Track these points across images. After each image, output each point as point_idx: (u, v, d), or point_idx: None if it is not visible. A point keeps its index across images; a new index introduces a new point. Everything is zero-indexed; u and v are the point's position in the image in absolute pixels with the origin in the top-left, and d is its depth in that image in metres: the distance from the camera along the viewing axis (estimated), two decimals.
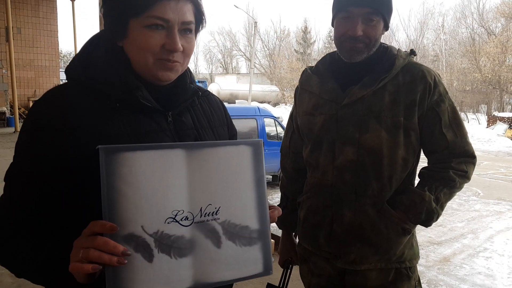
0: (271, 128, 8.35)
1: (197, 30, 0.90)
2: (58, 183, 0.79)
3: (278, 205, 1.45)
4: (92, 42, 0.90)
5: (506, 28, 26.94)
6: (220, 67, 53.62)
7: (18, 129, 11.42)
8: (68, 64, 0.88)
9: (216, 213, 0.79)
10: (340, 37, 1.27)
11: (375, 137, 1.26)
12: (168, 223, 0.74)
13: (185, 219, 0.76)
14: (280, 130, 8.40)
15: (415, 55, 1.33)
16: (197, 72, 54.14)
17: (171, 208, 0.75)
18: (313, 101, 1.38)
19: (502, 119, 19.05)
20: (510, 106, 28.67)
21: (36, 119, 0.81)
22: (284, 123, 19.12)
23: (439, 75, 1.33)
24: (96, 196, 0.71)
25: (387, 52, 1.32)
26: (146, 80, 0.87)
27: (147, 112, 0.86)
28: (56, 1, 9.52)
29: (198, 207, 0.77)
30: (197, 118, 0.97)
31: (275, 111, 25.50)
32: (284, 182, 1.61)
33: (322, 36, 51.60)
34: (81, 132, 0.79)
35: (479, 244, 5.24)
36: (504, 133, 17.34)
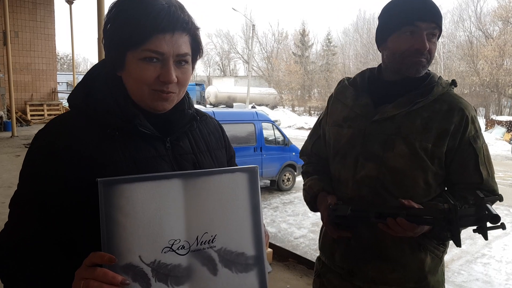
0: (269, 132, 8.36)
1: (194, 60, 0.93)
2: (61, 211, 0.82)
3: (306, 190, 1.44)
4: (94, 71, 0.93)
5: (503, 32, 27.04)
6: (218, 69, 53.67)
7: (16, 134, 11.41)
8: (70, 92, 0.92)
9: (212, 241, 0.81)
10: (404, 51, 1.24)
11: (399, 157, 1.25)
12: (165, 252, 0.76)
13: (181, 248, 0.78)
14: (278, 134, 8.40)
15: (455, 86, 1.32)
16: (195, 74, 54.13)
17: (168, 237, 0.77)
18: (344, 112, 1.39)
19: (500, 123, 19.10)
20: (508, 110, 28.74)
21: (40, 148, 0.84)
22: (282, 127, 19.06)
23: (476, 110, 1.33)
24: (96, 224, 0.74)
25: (428, 77, 1.31)
26: (143, 109, 0.90)
27: (146, 139, 0.89)
28: (53, 5, 9.51)
29: (194, 235, 0.79)
30: (195, 142, 0.99)
31: (273, 113, 25.53)
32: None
33: (320, 39, 51.80)
34: (83, 160, 0.82)
35: (477, 250, 5.25)
36: (502, 137, 17.40)
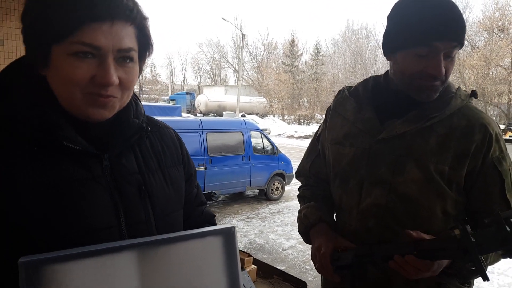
0: (257, 141, 8.29)
1: (142, 57, 0.76)
2: None
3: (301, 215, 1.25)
4: (10, 70, 0.74)
5: (488, 41, 27.54)
6: (209, 78, 53.73)
7: None
8: None
9: None
10: (413, 74, 1.04)
11: (410, 183, 1.06)
12: None
13: None
14: (266, 143, 8.34)
15: (476, 97, 1.12)
16: (185, 83, 54.08)
17: None
18: (345, 128, 1.20)
19: None
20: (494, 118, 29.21)
21: None
22: (271, 136, 19.04)
23: (499, 127, 1.13)
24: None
25: (445, 88, 1.10)
26: (75, 117, 0.72)
27: (75, 157, 0.71)
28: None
29: None
30: (143, 158, 0.81)
31: (263, 122, 25.49)
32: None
33: (309, 48, 52.29)
34: None
35: None
36: None
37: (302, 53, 43.02)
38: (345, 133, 1.20)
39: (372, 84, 1.23)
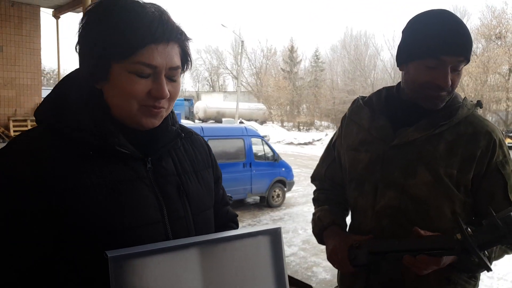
0: (258, 148, 8.33)
1: (182, 72, 0.85)
2: (37, 239, 0.73)
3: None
4: (66, 83, 0.83)
5: (486, 49, 27.82)
6: (207, 85, 53.84)
7: None
8: (38, 106, 0.82)
9: None
10: (422, 84, 1.13)
11: (421, 185, 1.15)
12: None
13: None
14: (267, 149, 8.38)
15: (481, 107, 1.23)
16: (184, 89, 54.22)
17: None
18: (360, 136, 1.29)
19: None
20: None
21: (3, 172, 0.73)
22: (271, 142, 19.02)
23: (503, 133, 1.22)
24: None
25: (452, 98, 1.20)
26: (124, 125, 0.81)
27: (124, 159, 0.80)
28: (40, 20, 9.43)
29: None
30: (179, 162, 0.90)
31: (262, 129, 25.55)
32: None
33: (308, 55, 52.61)
34: (53, 184, 0.72)
35: None
36: None
37: (301, 60, 43.29)
38: (361, 140, 1.28)
39: (385, 95, 1.32)
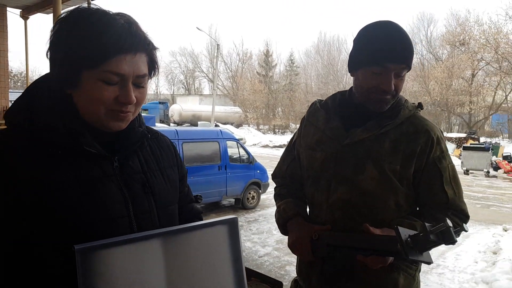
0: (233, 151, 8.36)
1: (148, 78, 0.91)
2: (5, 235, 0.77)
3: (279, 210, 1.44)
4: (36, 86, 0.88)
5: (451, 55, 28.97)
6: (183, 88, 53.26)
7: None
8: (8, 108, 0.86)
9: None
10: (369, 88, 1.26)
11: (369, 180, 1.26)
12: None
13: None
14: (242, 152, 8.42)
15: (422, 108, 1.35)
16: (158, 92, 53.43)
17: None
18: (317, 136, 1.40)
19: (450, 139, 20.28)
20: (457, 127, 30.68)
21: None
22: (247, 145, 18.88)
23: (442, 132, 1.37)
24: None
25: (397, 101, 1.32)
26: (93, 126, 0.86)
27: (92, 159, 0.85)
28: (6, 20, 9.11)
29: None
30: (145, 161, 0.95)
31: (238, 132, 25.58)
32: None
33: (283, 59, 53.06)
34: (23, 182, 0.77)
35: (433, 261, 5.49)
36: (452, 153, 18.43)
37: (276, 64, 43.68)
38: (317, 139, 1.40)
39: (339, 98, 1.44)
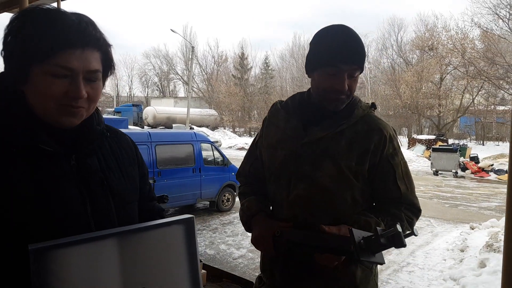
0: (208, 153, 8.33)
1: (105, 76, 0.91)
2: None
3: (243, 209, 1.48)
4: None
5: (421, 59, 30.00)
6: (157, 90, 52.59)
7: None
8: None
9: None
10: (325, 89, 1.31)
11: (327, 177, 1.31)
12: None
13: None
14: (217, 155, 8.40)
15: (375, 108, 1.42)
16: (132, 95, 52.56)
17: None
18: (278, 135, 1.43)
19: (420, 141, 20.95)
20: (427, 129, 31.72)
21: None
22: (222, 148, 18.92)
23: (395, 131, 1.43)
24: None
25: (351, 101, 1.38)
26: (49, 124, 0.86)
27: (48, 157, 0.84)
28: None
29: None
30: (104, 159, 0.95)
31: (214, 134, 25.50)
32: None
33: (258, 62, 53.27)
34: None
35: (403, 259, 5.63)
36: (422, 154, 19.03)
37: (251, 67, 43.78)
38: (278, 139, 1.44)
39: (299, 99, 1.49)
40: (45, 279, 0.70)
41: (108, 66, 0.90)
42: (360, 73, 1.34)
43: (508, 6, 20.78)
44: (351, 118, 1.35)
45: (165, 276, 0.82)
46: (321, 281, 1.35)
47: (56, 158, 0.85)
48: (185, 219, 0.86)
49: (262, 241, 1.37)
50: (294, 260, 1.37)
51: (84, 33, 0.82)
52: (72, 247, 0.73)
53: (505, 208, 1.77)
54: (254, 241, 1.40)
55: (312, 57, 1.36)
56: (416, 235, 1.09)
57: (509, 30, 20.79)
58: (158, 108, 32.42)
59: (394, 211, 1.33)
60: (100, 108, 1.04)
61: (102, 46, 0.87)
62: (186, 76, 44.51)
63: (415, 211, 1.37)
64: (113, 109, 33.07)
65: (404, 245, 1.03)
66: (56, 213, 0.82)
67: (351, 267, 1.34)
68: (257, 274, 1.55)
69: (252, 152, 1.61)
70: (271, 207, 1.48)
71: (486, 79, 23.22)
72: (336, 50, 1.27)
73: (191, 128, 21.02)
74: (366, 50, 1.36)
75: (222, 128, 35.28)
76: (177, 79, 50.23)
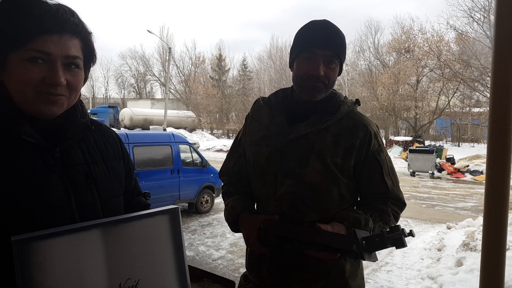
0: (186, 155, 8.24)
1: (87, 66, 0.91)
2: None
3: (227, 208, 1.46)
4: None
5: (397, 61, 30.63)
6: (133, 91, 51.78)
7: None
8: None
9: (136, 286, 0.81)
10: (302, 76, 1.31)
11: (313, 173, 1.31)
12: None
13: None
14: (195, 156, 8.33)
15: (359, 104, 1.43)
16: (108, 96, 51.57)
17: None
18: (262, 132, 1.42)
19: (397, 143, 21.37)
20: (404, 131, 32.43)
21: None
22: (200, 149, 18.80)
23: (378, 127, 1.44)
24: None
25: (335, 97, 1.40)
26: (30, 115, 0.84)
27: (32, 149, 0.83)
28: None
29: (117, 283, 0.78)
30: (88, 152, 0.95)
31: (192, 136, 25.28)
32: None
33: (236, 64, 53.23)
34: None
35: (381, 259, 5.68)
36: (399, 155, 19.40)
37: (229, 68, 43.70)
38: (262, 136, 1.42)
39: (282, 95, 1.48)
40: (29, 271, 0.69)
41: (89, 55, 0.91)
42: (340, 65, 1.34)
43: (483, 9, 21.47)
44: (336, 114, 1.35)
45: (151, 267, 0.82)
46: (311, 275, 1.33)
47: (40, 150, 0.85)
48: (169, 209, 0.86)
49: (247, 236, 1.35)
50: (282, 256, 1.34)
51: (61, 19, 0.81)
52: (55, 238, 0.72)
53: (481, 208, 1.78)
54: (245, 241, 1.38)
55: (292, 48, 1.37)
56: (413, 236, 1.10)
57: (483, 33, 21.46)
58: (135, 110, 31.90)
59: (380, 207, 1.35)
60: None
61: (81, 33, 0.86)
62: (163, 78, 44.02)
63: (400, 205, 1.39)
64: (89, 111, 32.26)
65: (405, 246, 1.06)
66: (40, 205, 0.81)
67: (341, 261, 1.33)
68: (236, 275, 1.51)
69: (235, 150, 1.59)
70: (256, 205, 1.45)
71: (461, 81, 23.93)
72: (311, 36, 1.30)
73: (164, 130, 20.67)
74: (346, 44, 1.37)
75: (200, 130, 35.03)
76: (154, 80, 49.65)
